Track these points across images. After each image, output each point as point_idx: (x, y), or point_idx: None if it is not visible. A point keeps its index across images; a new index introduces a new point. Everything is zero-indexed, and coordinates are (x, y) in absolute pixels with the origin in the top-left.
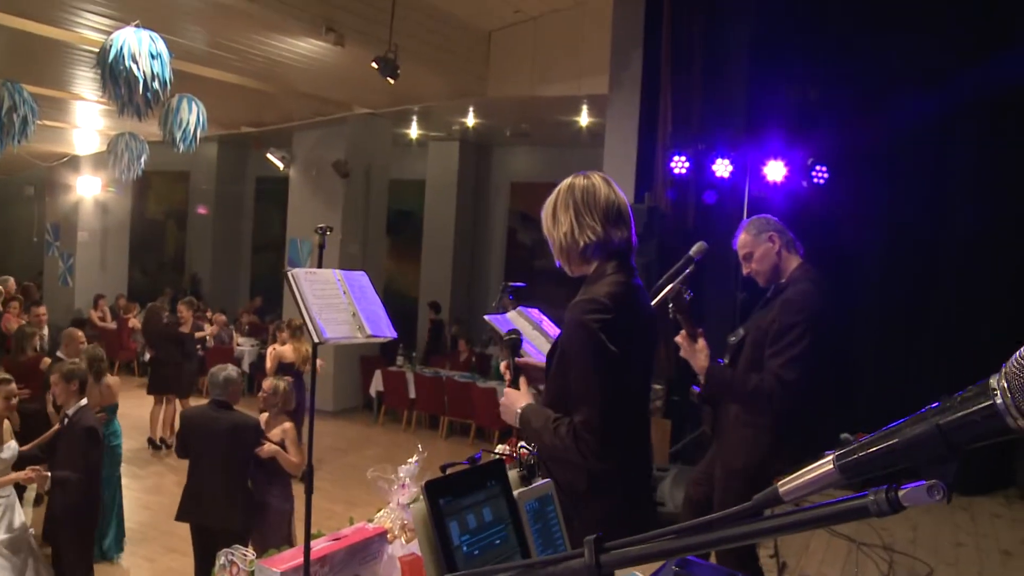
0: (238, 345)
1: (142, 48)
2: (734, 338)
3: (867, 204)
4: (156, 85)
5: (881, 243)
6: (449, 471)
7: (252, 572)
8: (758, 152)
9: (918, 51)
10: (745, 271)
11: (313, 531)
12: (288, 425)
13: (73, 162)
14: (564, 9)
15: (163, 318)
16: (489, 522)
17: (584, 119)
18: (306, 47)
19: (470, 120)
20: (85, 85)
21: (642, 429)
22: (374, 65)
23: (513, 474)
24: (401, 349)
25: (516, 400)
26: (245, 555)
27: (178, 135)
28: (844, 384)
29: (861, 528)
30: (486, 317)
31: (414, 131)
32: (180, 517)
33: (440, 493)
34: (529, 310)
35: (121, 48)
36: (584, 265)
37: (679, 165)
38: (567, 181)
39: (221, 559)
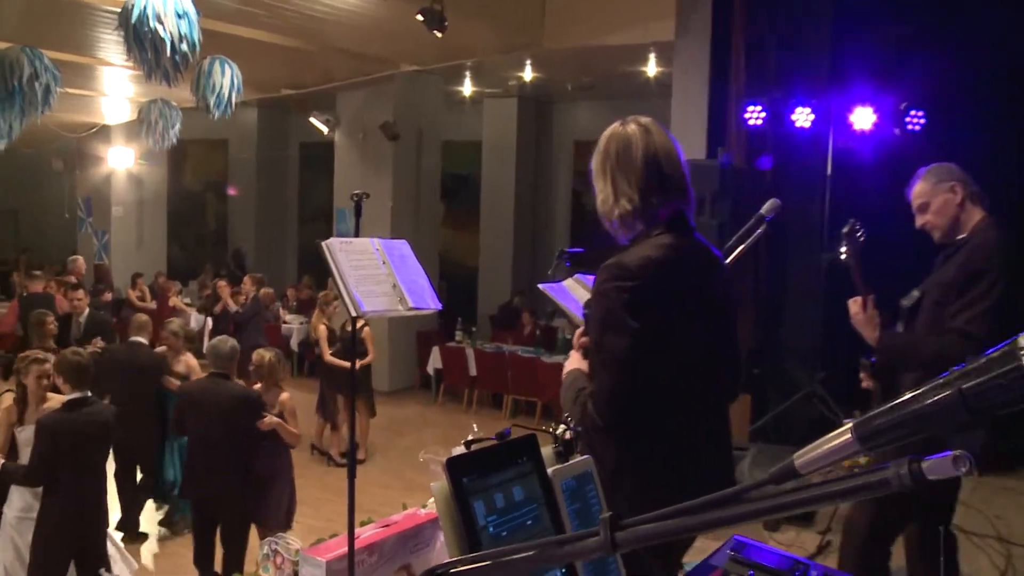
0: (285, 323)
1: (167, 7)
2: (907, 302)
3: (970, 150)
4: (184, 47)
5: (987, 192)
6: (475, 447)
7: (297, 562)
8: (843, 98)
9: None
10: (918, 223)
11: (364, 517)
12: (285, 396)
13: (103, 132)
14: None
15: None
16: (519, 501)
17: (652, 69)
18: None
19: (527, 74)
20: (111, 49)
21: (688, 404)
22: (419, 17)
23: (548, 451)
24: (460, 323)
25: (568, 366)
26: (289, 544)
27: (212, 100)
28: None
29: (973, 517)
30: (541, 286)
31: (467, 88)
32: (183, 493)
33: (464, 471)
34: (587, 277)
35: (145, 8)
36: (628, 230)
37: (754, 116)
38: (606, 134)
39: (264, 548)
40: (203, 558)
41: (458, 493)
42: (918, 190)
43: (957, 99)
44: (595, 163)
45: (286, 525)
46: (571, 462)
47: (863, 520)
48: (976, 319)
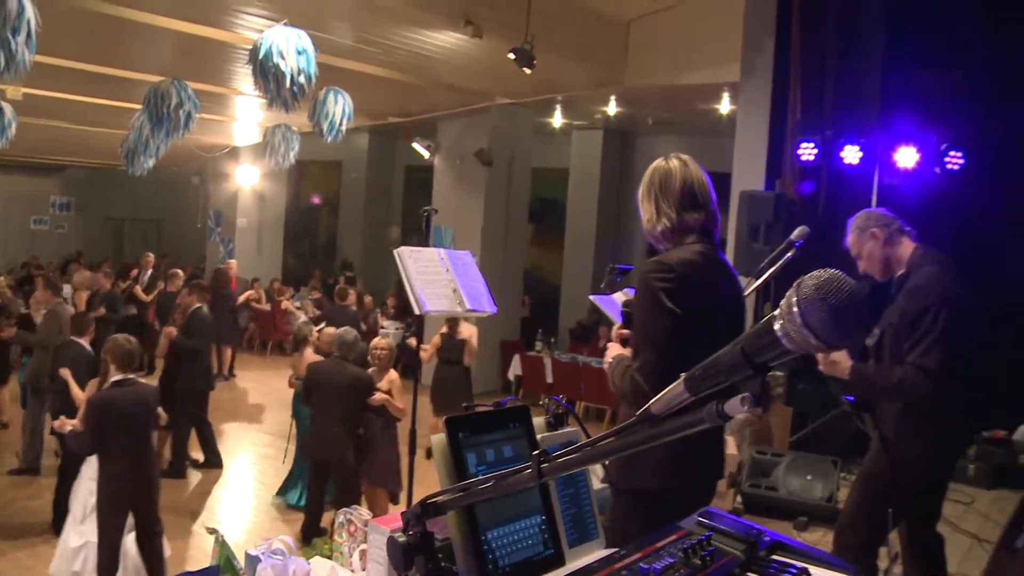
0: (382, 328)
1: (289, 45)
2: (871, 340)
3: (1007, 191)
4: (302, 79)
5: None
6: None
7: (366, 530)
8: (889, 137)
9: None
10: (860, 270)
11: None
12: (395, 375)
13: (233, 153)
14: None
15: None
16: (509, 457)
17: (725, 107)
18: (446, 40)
19: (612, 109)
20: (243, 80)
21: None
22: (511, 56)
23: (540, 420)
24: (540, 335)
25: (612, 352)
26: (361, 514)
27: (325, 125)
28: (989, 380)
29: (985, 526)
30: (592, 297)
31: (557, 120)
32: (305, 454)
33: (459, 428)
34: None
35: (270, 46)
36: (667, 242)
37: (807, 152)
38: (651, 167)
39: (340, 517)
40: (314, 510)
41: (453, 444)
42: (849, 241)
43: (995, 141)
44: (642, 190)
45: (397, 485)
46: (559, 431)
47: (854, 519)
48: (927, 353)
